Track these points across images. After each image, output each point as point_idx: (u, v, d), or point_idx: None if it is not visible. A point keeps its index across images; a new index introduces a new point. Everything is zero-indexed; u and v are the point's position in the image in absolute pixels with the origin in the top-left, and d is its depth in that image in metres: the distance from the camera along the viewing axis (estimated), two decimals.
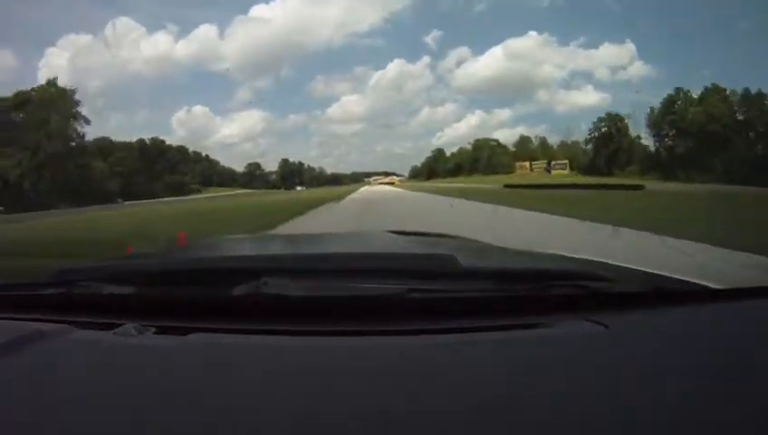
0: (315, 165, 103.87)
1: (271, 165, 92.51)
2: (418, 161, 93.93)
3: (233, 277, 0.78)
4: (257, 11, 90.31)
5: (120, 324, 0.72)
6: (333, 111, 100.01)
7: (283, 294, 0.74)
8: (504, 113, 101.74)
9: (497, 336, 0.66)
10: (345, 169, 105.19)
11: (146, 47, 78.40)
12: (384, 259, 0.90)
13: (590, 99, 78.76)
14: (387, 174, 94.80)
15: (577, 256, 1.08)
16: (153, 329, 0.72)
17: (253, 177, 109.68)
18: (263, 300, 0.75)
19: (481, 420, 0.47)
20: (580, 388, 0.52)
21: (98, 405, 0.53)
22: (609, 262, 1.01)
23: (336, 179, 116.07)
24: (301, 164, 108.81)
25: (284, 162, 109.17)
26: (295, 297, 0.75)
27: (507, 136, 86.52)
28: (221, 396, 0.53)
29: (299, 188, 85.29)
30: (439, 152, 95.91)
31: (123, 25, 75.05)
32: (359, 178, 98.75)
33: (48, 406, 0.53)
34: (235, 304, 0.76)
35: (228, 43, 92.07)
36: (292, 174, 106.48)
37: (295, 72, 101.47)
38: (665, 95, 49.58)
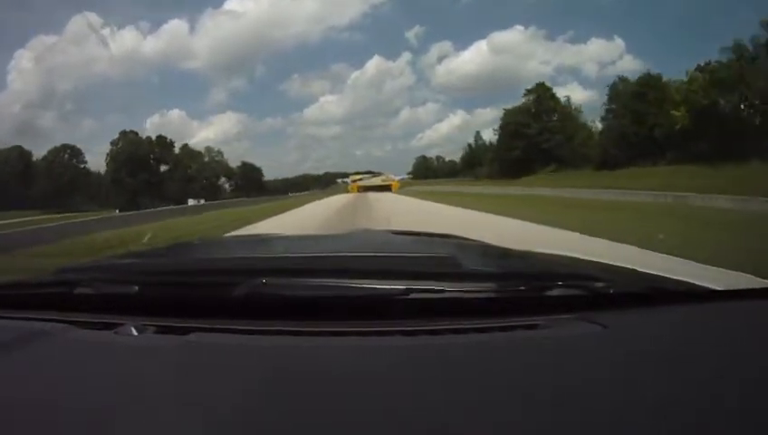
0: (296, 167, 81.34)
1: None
2: (405, 164, 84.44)
3: (233, 277, 0.79)
4: (229, 4, 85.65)
5: (121, 324, 0.73)
6: (311, 112, 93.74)
7: (282, 294, 0.75)
8: (486, 113, 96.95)
9: (497, 336, 0.66)
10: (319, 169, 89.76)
11: (116, 45, 63.17)
12: (384, 259, 0.90)
13: (576, 96, 66.93)
14: (373, 173, 72.24)
15: (576, 257, 1.08)
16: (153, 328, 0.72)
17: (59, 182, 38.09)
18: (263, 300, 0.75)
19: (481, 419, 0.47)
20: (579, 388, 0.52)
21: (98, 404, 0.53)
22: (608, 263, 1.01)
23: (253, 182, 52.55)
24: (164, 143, 46.76)
25: (123, 138, 47.68)
26: (295, 297, 0.75)
27: (491, 135, 70.89)
28: (221, 396, 0.53)
29: (192, 201, 43.35)
30: (545, 92, 47.64)
31: (91, 23, 61.52)
32: (330, 181, 79.28)
33: (49, 405, 0.53)
34: (235, 303, 0.76)
35: (200, 39, 78.00)
36: (137, 170, 40.38)
37: (271, 71, 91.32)
38: None
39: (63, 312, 0.82)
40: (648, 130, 31.31)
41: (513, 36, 78.28)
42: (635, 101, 33.13)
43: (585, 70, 74.84)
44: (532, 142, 42.39)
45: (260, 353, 0.64)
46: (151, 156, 53.33)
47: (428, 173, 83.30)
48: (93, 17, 68.31)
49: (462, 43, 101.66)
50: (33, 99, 73.52)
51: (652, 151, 30.39)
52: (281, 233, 2.72)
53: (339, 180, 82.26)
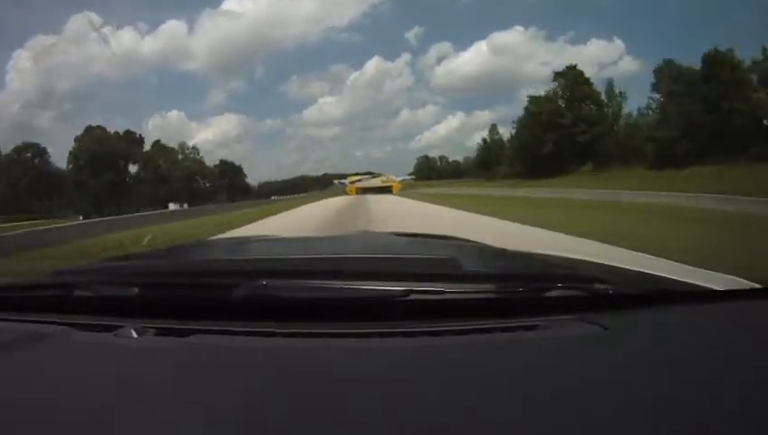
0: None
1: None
2: (404, 165, 79.77)
3: (233, 279, 0.79)
4: (227, 5, 79.12)
5: (121, 326, 0.73)
6: (310, 113, 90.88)
7: (283, 296, 0.75)
8: (485, 115, 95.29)
9: (497, 337, 0.66)
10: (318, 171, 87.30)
11: (115, 46, 55.93)
12: (385, 261, 0.90)
13: None
14: (372, 174, 69.28)
15: (576, 258, 1.08)
16: (153, 330, 0.72)
17: None
18: (263, 301, 0.75)
19: (481, 420, 0.47)
20: (578, 389, 0.52)
21: (98, 406, 0.53)
22: (608, 263, 1.01)
23: (234, 183, 48.19)
24: (133, 139, 41.64)
25: (88, 134, 55.13)
26: (296, 299, 0.75)
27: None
28: (221, 398, 0.53)
29: (174, 206, 37.05)
30: (576, 76, 43.21)
31: (92, 21, 61.72)
32: (328, 183, 76.40)
33: (49, 407, 0.53)
34: (235, 305, 0.76)
35: (198, 40, 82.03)
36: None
37: (270, 72, 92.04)
38: None
39: (63, 314, 0.81)
40: (722, 119, 24.98)
41: (513, 37, 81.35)
42: (702, 84, 26.74)
43: (585, 71, 73.01)
44: (564, 135, 35.83)
45: (260, 355, 0.64)
46: (120, 154, 46.71)
47: (431, 174, 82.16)
48: (92, 17, 69.15)
49: (461, 43, 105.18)
50: (32, 98, 73.26)
51: (726, 145, 24.13)
52: (281, 234, 2.59)
53: (336, 181, 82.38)
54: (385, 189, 56.95)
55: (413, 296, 0.72)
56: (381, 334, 0.67)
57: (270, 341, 0.68)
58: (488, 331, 0.67)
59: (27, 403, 0.54)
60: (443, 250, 1.16)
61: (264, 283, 0.75)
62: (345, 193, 58.51)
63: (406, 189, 57.34)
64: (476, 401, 0.50)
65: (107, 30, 71.65)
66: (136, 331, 0.71)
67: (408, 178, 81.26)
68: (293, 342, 0.67)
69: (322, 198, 40.46)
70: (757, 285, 0.83)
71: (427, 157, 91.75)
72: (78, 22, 63.23)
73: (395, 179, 70.42)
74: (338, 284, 0.75)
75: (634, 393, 0.51)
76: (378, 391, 0.53)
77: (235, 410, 0.50)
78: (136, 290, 0.80)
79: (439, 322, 0.70)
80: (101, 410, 0.52)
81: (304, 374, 0.58)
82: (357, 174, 71.44)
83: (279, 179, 79.71)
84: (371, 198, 34.98)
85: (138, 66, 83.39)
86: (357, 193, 57.64)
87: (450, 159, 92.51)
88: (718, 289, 0.82)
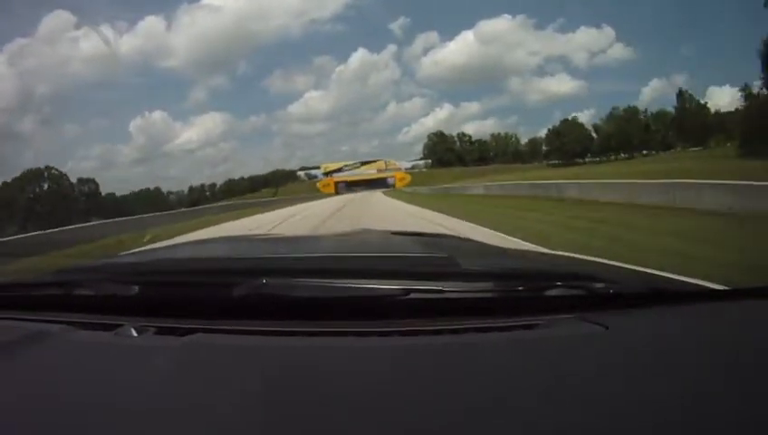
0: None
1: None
2: (395, 158, 60.11)
3: (233, 278, 0.79)
4: None
5: (121, 325, 0.73)
6: (295, 109, 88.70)
7: (282, 295, 0.76)
8: (472, 106, 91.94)
9: (497, 337, 0.66)
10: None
11: (95, 46, 60.50)
12: (384, 260, 0.91)
13: (564, 87, 73.21)
14: (364, 163, 54.41)
15: (576, 257, 1.08)
16: (153, 329, 0.73)
17: None
18: (263, 300, 0.75)
19: (481, 420, 0.47)
20: (579, 388, 0.53)
21: (98, 406, 0.53)
22: (608, 263, 1.01)
23: None
24: None
25: None
26: (295, 298, 0.76)
27: (477, 128, 71.53)
28: (221, 397, 0.53)
29: None
30: None
31: (65, 23, 62.99)
32: (289, 177, 62.70)
33: (48, 406, 0.54)
34: (235, 304, 0.76)
35: (177, 36, 76.25)
36: None
37: (253, 67, 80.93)
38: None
39: (63, 313, 0.82)
40: None
41: (501, 25, 78.73)
42: None
43: (575, 59, 74.22)
44: None
45: (260, 354, 0.64)
46: None
47: (450, 157, 60.80)
48: (69, 18, 64.47)
49: (448, 33, 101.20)
50: (11, 103, 66.55)
51: None
52: (280, 233, 2.39)
53: (300, 174, 59.44)
54: (381, 183, 44.61)
55: (413, 295, 0.72)
56: (381, 333, 0.67)
57: (270, 339, 0.68)
58: (488, 330, 0.67)
59: (27, 401, 0.55)
60: (443, 249, 1.16)
61: (264, 281, 0.75)
62: (323, 192, 43.69)
63: (426, 183, 39.50)
64: (476, 400, 0.50)
65: (85, 30, 67.89)
66: (136, 329, 0.71)
67: (421, 163, 52.02)
68: (293, 340, 0.67)
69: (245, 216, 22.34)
70: (757, 285, 0.83)
71: (442, 134, 63.61)
72: (54, 22, 60.65)
73: (398, 166, 51.37)
74: (338, 282, 0.76)
75: (634, 393, 0.51)
76: (377, 389, 0.53)
77: (234, 408, 0.50)
78: (136, 289, 0.81)
79: (439, 320, 0.70)
80: (101, 408, 0.52)
81: (304, 373, 0.58)
82: (343, 163, 53.58)
83: (246, 176, 70.74)
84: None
85: (117, 66, 78.11)
86: (337, 192, 42.88)
87: (473, 139, 64.23)
88: (719, 288, 0.83)
